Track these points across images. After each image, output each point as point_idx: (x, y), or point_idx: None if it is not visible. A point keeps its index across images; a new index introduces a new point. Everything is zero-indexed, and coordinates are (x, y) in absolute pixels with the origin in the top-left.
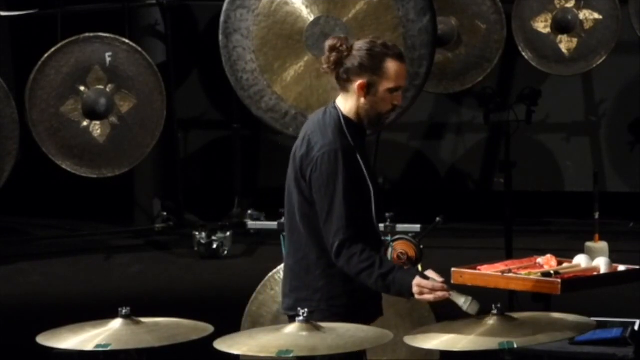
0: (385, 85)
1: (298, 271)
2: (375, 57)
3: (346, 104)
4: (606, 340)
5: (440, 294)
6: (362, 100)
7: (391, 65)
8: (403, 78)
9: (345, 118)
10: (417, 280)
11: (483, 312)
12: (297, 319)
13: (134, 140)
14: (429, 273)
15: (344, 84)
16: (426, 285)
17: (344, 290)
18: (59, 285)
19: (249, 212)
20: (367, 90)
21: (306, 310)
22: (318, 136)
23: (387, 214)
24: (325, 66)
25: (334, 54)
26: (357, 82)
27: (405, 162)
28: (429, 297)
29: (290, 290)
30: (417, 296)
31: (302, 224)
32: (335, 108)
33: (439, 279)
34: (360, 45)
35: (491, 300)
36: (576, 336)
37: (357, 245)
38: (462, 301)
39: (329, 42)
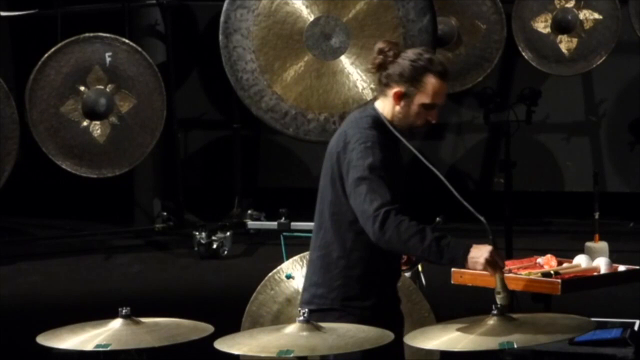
0: (421, 99)
1: (319, 267)
2: (416, 69)
3: (384, 108)
4: (606, 340)
5: (498, 270)
6: (397, 108)
7: (430, 81)
8: (440, 96)
9: (386, 119)
10: (492, 249)
11: (483, 312)
12: (297, 319)
13: (134, 140)
14: None
15: (382, 88)
16: (497, 258)
17: (360, 293)
18: (59, 285)
19: (249, 212)
20: (402, 99)
21: (306, 310)
22: (354, 130)
23: None
24: (369, 66)
25: (380, 56)
26: (394, 90)
27: (405, 162)
28: (491, 269)
29: (310, 285)
30: (479, 260)
31: (331, 222)
32: (374, 109)
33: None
34: (406, 55)
35: (491, 300)
36: (576, 336)
37: (403, 215)
38: (499, 291)
39: (378, 44)
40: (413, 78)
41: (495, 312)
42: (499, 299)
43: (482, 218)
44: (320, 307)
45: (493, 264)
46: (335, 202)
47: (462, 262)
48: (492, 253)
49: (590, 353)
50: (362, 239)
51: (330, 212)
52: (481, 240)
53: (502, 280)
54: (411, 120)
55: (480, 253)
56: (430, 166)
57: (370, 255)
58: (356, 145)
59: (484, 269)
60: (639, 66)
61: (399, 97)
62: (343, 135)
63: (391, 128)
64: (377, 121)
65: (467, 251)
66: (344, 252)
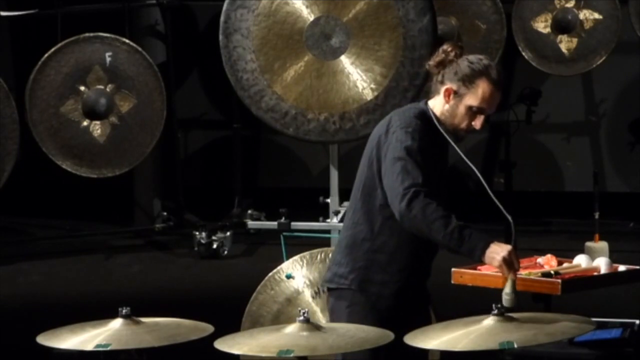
0: (469, 100)
1: (344, 246)
2: (472, 70)
3: (434, 105)
4: (606, 340)
5: (512, 271)
6: (446, 106)
7: (483, 85)
8: (490, 103)
9: (435, 116)
10: (512, 249)
11: (483, 312)
12: (297, 319)
13: (134, 140)
14: None
15: (437, 86)
16: (514, 259)
17: (381, 279)
18: (59, 285)
19: (249, 212)
20: (452, 98)
21: (307, 310)
22: (399, 116)
23: None
24: (431, 63)
25: (442, 55)
26: (446, 86)
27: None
28: (506, 268)
29: (333, 264)
30: (496, 257)
31: (361, 203)
32: (426, 104)
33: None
34: (466, 57)
35: (491, 300)
36: (576, 336)
37: (432, 199)
38: (507, 291)
39: (444, 45)
40: (467, 78)
41: (495, 312)
42: (505, 300)
43: (509, 217)
44: (339, 286)
45: (509, 263)
46: (369, 184)
47: (480, 256)
48: (510, 252)
49: (590, 353)
50: (390, 224)
51: (363, 193)
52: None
53: (514, 282)
54: (457, 121)
55: (499, 250)
56: (472, 165)
57: (396, 243)
58: (397, 129)
59: (499, 267)
60: (639, 66)
61: (449, 95)
62: (387, 120)
63: (436, 123)
64: (424, 114)
65: (487, 245)
66: (371, 234)
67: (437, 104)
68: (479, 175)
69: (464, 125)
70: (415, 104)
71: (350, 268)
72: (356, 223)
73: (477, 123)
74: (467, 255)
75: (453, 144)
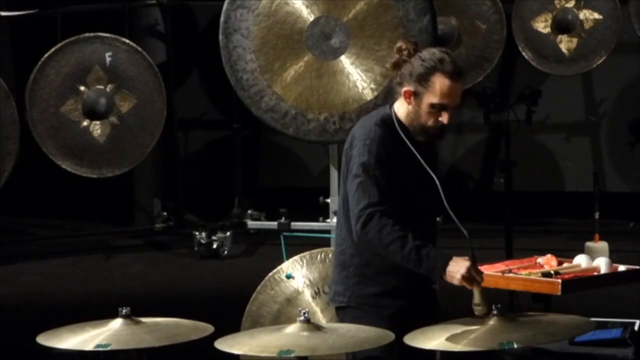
0: (429, 99)
1: (336, 264)
2: (425, 68)
3: (399, 108)
4: (606, 340)
5: (474, 285)
6: (409, 107)
7: (439, 81)
8: (450, 97)
9: (398, 119)
10: (470, 264)
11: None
12: (297, 319)
13: (134, 140)
14: None
15: (397, 88)
16: (475, 273)
17: (376, 291)
18: (59, 285)
19: (249, 212)
20: (413, 99)
21: (307, 310)
22: (359, 130)
23: None
24: (387, 65)
25: (396, 55)
26: (405, 89)
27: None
28: (468, 284)
29: (332, 282)
30: (455, 276)
31: (344, 218)
32: (390, 108)
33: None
34: (419, 54)
35: (491, 300)
36: (576, 336)
37: (389, 219)
38: (475, 302)
39: (397, 44)
40: (422, 77)
41: (495, 312)
42: (476, 310)
43: (465, 232)
44: (340, 304)
45: (469, 279)
46: (346, 199)
47: (440, 274)
48: (469, 269)
49: (590, 353)
50: None
51: (344, 208)
52: (480, 240)
53: (481, 293)
54: (423, 120)
55: (457, 268)
56: (430, 171)
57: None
58: (357, 142)
59: (460, 284)
60: (639, 66)
61: (409, 97)
62: (352, 134)
63: (397, 128)
64: (386, 119)
65: (446, 264)
66: (356, 250)
67: (401, 107)
68: (436, 180)
69: (430, 122)
70: (381, 108)
71: (344, 286)
72: (342, 239)
73: (444, 118)
74: (427, 275)
75: (413, 149)
